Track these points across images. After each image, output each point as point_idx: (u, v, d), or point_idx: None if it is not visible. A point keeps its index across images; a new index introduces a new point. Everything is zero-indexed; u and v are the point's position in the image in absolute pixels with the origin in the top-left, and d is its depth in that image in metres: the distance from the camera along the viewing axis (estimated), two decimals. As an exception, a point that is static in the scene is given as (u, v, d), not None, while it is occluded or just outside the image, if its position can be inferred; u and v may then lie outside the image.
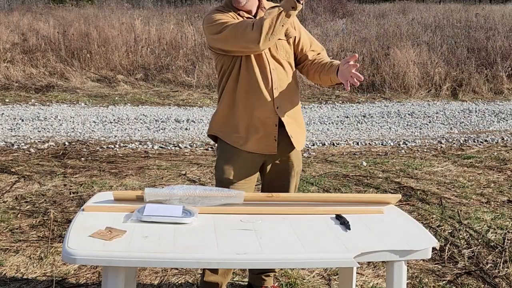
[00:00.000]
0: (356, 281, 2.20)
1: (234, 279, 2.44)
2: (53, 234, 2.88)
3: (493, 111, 6.51)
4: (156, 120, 5.87)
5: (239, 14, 1.97)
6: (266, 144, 1.99)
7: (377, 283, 2.44)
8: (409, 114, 6.27)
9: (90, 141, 4.97)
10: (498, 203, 3.47)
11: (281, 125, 1.98)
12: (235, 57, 1.94)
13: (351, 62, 1.82)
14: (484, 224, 3.06)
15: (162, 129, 5.55)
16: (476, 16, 10.12)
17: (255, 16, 1.99)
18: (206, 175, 3.96)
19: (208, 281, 2.05)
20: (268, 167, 2.06)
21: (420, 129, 5.70)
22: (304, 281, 2.44)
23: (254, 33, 1.80)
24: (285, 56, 1.98)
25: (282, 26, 1.82)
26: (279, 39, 1.95)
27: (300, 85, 7.62)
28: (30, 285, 2.37)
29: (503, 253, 2.73)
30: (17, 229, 2.94)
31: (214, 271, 2.03)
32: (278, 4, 1.86)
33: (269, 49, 1.95)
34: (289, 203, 1.80)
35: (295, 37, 2.02)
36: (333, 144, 5.01)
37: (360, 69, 7.50)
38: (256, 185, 2.13)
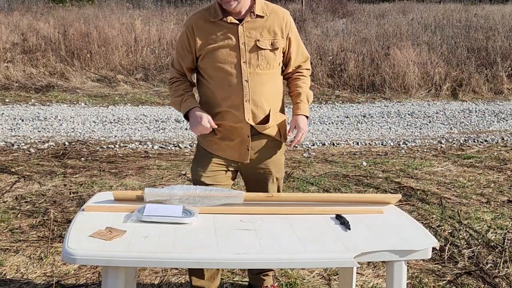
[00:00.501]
0: (356, 281, 2.20)
1: (234, 279, 2.44)
2: (53, 234, 2.88)
3: (493, 111, 6.51)
4: (156, 120, 5.87)
5: (222, 19, 1.88)
6: (239, 152, 1.97)
7: (377, 283, 2.44)
8: (409, 114, 6.27)
9: (90, 141, 4.97)
10: (498, 203, 3.47)
11: (255, 134, 1.96)
12: (201, 70, 1.96)
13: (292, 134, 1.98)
14: (484, 224, 3.06)
15: (162, 129, 5.55)
16: (476, 16, 10.12)
17: (241, 20, 1.89)
18: (206, 175, 3.96)
19: (195, 285, 2.06)
20: (246, 174, 2.06)
21: (420, 129, 5.70)
22: (304, 281, 2.44)
23: (168, 81, 2.07)
24: (265, 67, 1.91)
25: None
26: (263, 49, 1.90)
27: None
28: (30, 285, 2.37)
29: (503, 253, 2.73)
30: (17, 229, 2.94)
31: (201, 276, 2.04)
32: (181, 99, 1.95)
33: (248, 59, 1.89)
34: (289, 203, 1.80)
35: (283, 47, 1.95)
36: (333, 144, 5.01)
37: (360, 69, 7.53)
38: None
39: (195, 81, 2.06)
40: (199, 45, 1.92)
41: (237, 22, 1.90)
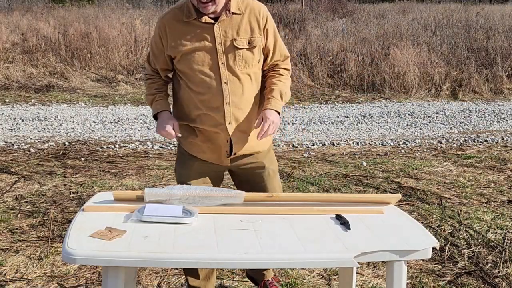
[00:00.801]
0: (356, 281, 2.19)
1: (234, 279, 2.44)
2: (53, 234, 2.87)
3: (493, 111, 6.51)
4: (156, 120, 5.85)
5: (197, 19, 1.80)
6: (218, 156, 1.91)
7: (377, 283, 2.43)
8: (409, 114, 6.26)
9: (90, 141, 4.95)
10: (498, 203, 3.46)
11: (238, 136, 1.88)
12: (178, 72, 1.89)
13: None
14: (484, 224, 3.06)
15: (162, 129, 5.53)
16: (476, 16, 10.11)
17: (216, 19, 1.81)
18: (206, 175, 3.95)
19: (192, 285, 2.04)
20: (237, 172, 1.98)
21: (420, 129, 5.69)
22: (304, 281, 2.44)
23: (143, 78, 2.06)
24: (243, 67, 1.84)
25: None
26: (240, 48, 1.82)
27: (300, 86, 7.49)
28: (30, 285, 2.36)
29: (503, 253, 2.72)
30: (17, 229, 2.94)
31: (196, 276, 2.02)
32: (152, 98, 1.93)
33: (226, 60, 1.82)
34: (289, 203, 1.79)
35: (261, 44, 1.87)
36: (333, 144, 5.00)
37: (360, 69, 7.53)
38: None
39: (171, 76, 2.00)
40: (172, 47, 1.84)
41: (212, 21, 1.82)
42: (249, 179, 1.97)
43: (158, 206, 1.63)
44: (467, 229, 3.00)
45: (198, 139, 1.91)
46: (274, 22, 1.94)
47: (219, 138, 1.88)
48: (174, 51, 1.85)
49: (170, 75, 2.03)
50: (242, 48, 1.83)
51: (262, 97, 1.95)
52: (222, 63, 1.82)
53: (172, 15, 1.85)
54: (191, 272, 2.04)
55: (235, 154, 1.91)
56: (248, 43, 1.84)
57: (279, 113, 1.87)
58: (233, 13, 1.83)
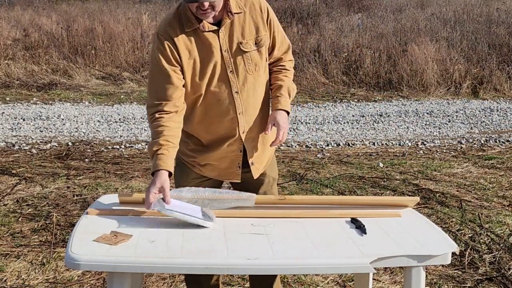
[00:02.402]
0: None
1: (245, 285, 2.39)
2: (56, 238, 2.84)
3: (515, 109, 6.35)
4: (164, 120, 5.81)
5: (199, 28, 1.68)
6: (228, 171, 1.82)
7: (394, 289, 2.38)
8: (427, 113, 6.16)
9: (95, 142, 4.90)
10: (521, 205, 3.37)
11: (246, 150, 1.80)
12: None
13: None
14: (506, 228, 2.99)
15: (171, 128, 5.50)
16: (497, 10, 9.87)
17: (218, 24, 1.69)
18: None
19: None
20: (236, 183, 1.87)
21: (439, 128, 5.59)
22: (318, 287, 2.40)
23: (148, 119, 1.84)
24: (254, 70, 1.75)
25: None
26: (248, 51, 1.72)
27: (314, 84, 7.35)
28: (33, 291, 2.35)
29: (527, 258, 2.63)
30: (18, 233, 2.90)
31: (199, 286, 1.92)
32: (155, 153, 1.65)
33: (234, 67, 1.72)
34: (302, 206, 1.75)
35: (268, 42, 1.79)
36: (348, 145, 4.94)
37: (376, 66, 7.42)
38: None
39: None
40: (183, 59, 1.69)
41: (215, 27, 1.70)
42: (246, 186, 1.85)
43: (179, 203, 1.60)
44: (489, 233, 2.93)
45: (210, 158, 1.82)
46: (274, 14, 1.84)
47: (231, 150, 1.81)
48: (184, 63, 1.71)
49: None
50: (249, 51, 1.73)
51: (268, 96, 1.86)
52: (231, 71, 1.73)
53: (173, 25, 1.70)
54: (194, 280, 1.94)
55: (252, 163, 1.83)
56: (255, 44, 1.74)
57: (288, 112, 1.81)
58: (234, 13, 1.71)
